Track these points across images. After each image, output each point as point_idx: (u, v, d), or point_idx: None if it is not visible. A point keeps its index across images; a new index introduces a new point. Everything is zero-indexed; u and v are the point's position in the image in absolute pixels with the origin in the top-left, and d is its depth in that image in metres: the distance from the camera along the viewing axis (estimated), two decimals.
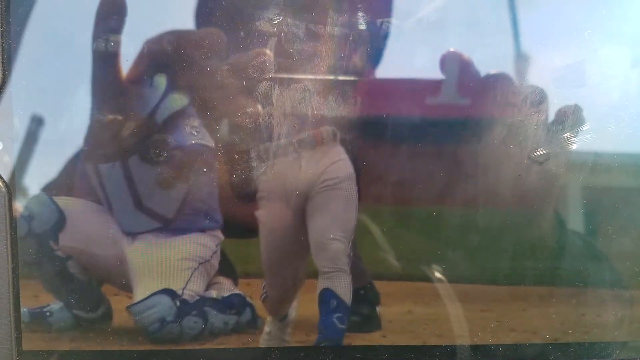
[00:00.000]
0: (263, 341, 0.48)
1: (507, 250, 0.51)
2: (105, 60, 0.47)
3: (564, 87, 0.50)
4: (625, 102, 0.51)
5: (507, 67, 0.48)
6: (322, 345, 0.49)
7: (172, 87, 0.45)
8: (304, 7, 0.44)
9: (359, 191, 0.46)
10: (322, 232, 0.47)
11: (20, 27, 0.46)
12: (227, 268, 0.48)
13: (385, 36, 0.45)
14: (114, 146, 0.45)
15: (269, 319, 0.49)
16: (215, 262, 0.48)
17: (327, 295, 0.47)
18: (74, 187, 0.46)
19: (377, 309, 0.49)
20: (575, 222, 0.53)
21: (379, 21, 0.44)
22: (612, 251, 0.53)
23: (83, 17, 0.47)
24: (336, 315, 0.47)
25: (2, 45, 0.45)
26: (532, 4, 0.50)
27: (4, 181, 0.46)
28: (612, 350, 0.55)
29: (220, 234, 0.47)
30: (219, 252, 0.48)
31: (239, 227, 0.48)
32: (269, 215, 0.47)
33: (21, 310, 0.47)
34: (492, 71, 0.48)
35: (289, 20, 0.44)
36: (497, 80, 0.47)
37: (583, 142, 0.50)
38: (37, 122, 0.47)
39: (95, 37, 0.47)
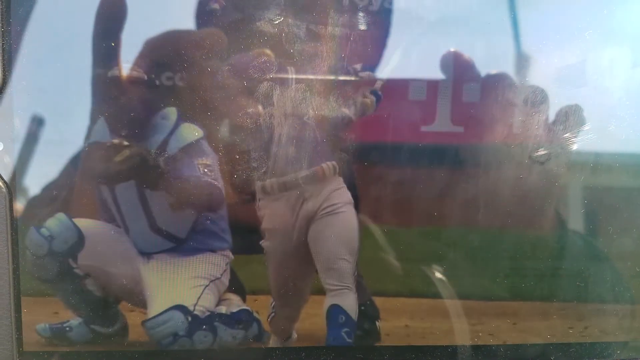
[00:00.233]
0: None
1: (507, 268, 0.54)
2: (105, 60, 0.47)
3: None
4: None
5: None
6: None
7: (181, 117, 0.48)
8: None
9: (359, 214, 0.50)
10: (329, 253, 0.50)
11: (20, 28, 0.46)
12: (236, 285, 0.51)
13: None
14: (126, 170, 0.48)
15: (273, 339, 0.51)
16: (225, 280, 0.51)
17: (335, 311, 0.50)
18: (93, 210, 0.48)
19: (377, 323, 0.52)
20: (587, 240, 0.54)
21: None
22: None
23: (83, 17, 0.47)
24: (344, 329, 0.50)
25: (2, 45, 0.45)
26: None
27: (4, 181, 0.46)
28: (612, 350, 0.55)
29: (229, 253, 0.51)
30: (228, 271, 0.51)
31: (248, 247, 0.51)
32: (276, 242, 0.50)
33: (22, 311, 0.48)
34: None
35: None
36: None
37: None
38: (37, 123, 0.47)
39: (96, 37, 0.47)
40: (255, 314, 0.50)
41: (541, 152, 0.51)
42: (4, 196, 0.46)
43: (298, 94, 0.47)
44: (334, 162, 0.48)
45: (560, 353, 0.55)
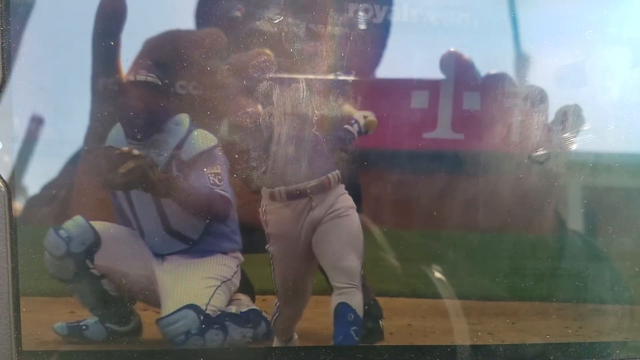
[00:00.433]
0: None
1: (507, 269, 0.55)
2: (105, 59, 0.47)
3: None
4: None
5: None
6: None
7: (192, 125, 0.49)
8: None
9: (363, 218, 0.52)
10: (337, 254, 0.53)
11: (20, 27, 0.45)
12: (245, 286, 0.53)
13: None
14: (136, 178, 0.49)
15: (276, 342, 0.53)
16: (236, 281, 0.52)
17: (344, 310, 0.52)
18: (110, 213, 0.50)
19: (380, 322, 0.53)
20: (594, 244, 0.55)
21: None
22: None
23: (83, 16, 0.47)
24: (353, 328, 0.52)
25: (2, 44, 0.45)
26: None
27: (3, 181, 0.46)
28: (612, 350, 0.55)
29: (240, 255, 0.53)
30: (239, 272, 0.52)
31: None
32: (281, 246, 0.53)
33: (21, 310, 0.48)
34: None
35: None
36: None
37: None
38: (37, 122, 0.47)
39: (96, 36, 0.47)
40: (264, 314, 0.52)
41: (540, 152, 0.52)
42: (3, 195, 0.46)
43: (309, 113, 0.49)
44: (338, 172, 0.51)
45: (559, 353, 0.55)
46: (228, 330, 0.51)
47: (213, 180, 0.49)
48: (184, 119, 0.49)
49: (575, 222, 0.55)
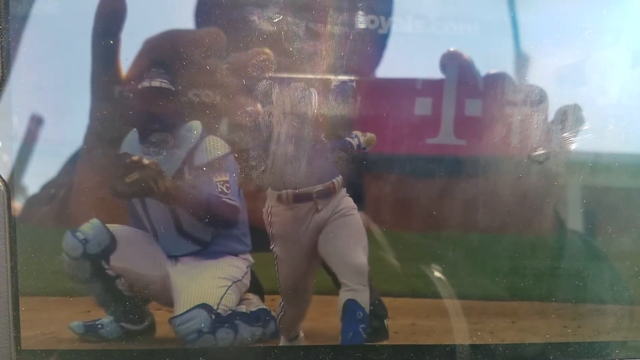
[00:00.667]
0: None
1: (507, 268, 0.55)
2: (105, 59, 0.47)
3: None
4: None
5: None
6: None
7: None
8: None
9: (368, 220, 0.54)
10: (344, 252, 0.54)
11: (19, 26, 0.45)
12: (255, 286, 0.55)
13: None
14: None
15: (282, 340, 0.54)
16: (246, 281, 0.54)
17: (353, 307, 0.53)
18: (124, 216, 0.52)
19: (385, 321, 0.54)
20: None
21: None
22: None
23: (82, 15, 0.47)
24: (361, 325, 0.53)
25: (1, 43, 0.45)
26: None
27: (2, 180, 0.46)
28: (611, 350, 0.55)
29: (250, 257, 0.55)
30: (249, 273, 0.54)
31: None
32: (286, 247, 0.54)
33: (20, 309, 0.48)
34: None
35: None
36: None
37: None
38: (36, 121, 0.47)
39: (95, 36, 0.47)
40: (273, 313, 0.54)
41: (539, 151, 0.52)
42: (2, 194, 0.46)
43: (319, 120, 0.51)
44: (341, 177, 0.54)
45: (558, 352, 0.55)
46: (238, 328, 0.53)
47: (221, 188, 0.51)
48: (197, 125, 0.50)
49: (579, 222, 0.55)
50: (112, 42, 0.47)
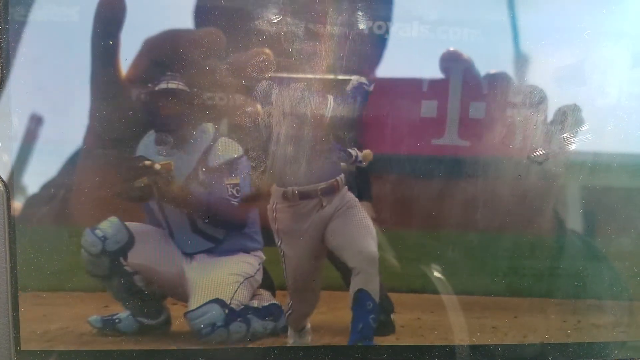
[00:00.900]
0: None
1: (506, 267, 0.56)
2: (104, 58, 0.47)
3: None
4: None
5: None
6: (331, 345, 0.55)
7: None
8: None
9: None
10: (354, 241, 0.55)
11: (18, 26, 0.45)
12: (267, 282, 0.57)
13: None
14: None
15: (290, 331, 0.56)
16: (259, 277, 0.56)
17: (363, 297, 0.54)
18: (142, 215, 0.53)
19: (392, 316, 0.55)
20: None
21: None
22: None
23: (82, 15, 0.47)
24: (371, 316, 0.54)
25: (0, 43, 0.45)
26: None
27: (2, 180, 0.46)
28: (610, 350, 0.55)
29: (262, 254, 0.56)
30: (261, 269, 0.56)
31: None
32: (293, 244, 0.56)
33: (20, 309, 0.48)
34: None
35: None
36: None
37: None
38: (35, 121, 0.47)
39: (95, 35, 0.47)
40: (283, 308, 0.56)
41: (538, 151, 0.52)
42: (2, 194, 0.46)
43: (326, 121, 0.52)
44: (343, 176, 0.55)
45: (558, 353, 0.55)
46: (250, 322, 0.55)
47: (231, 191, 0.52)
48: (210, 126, 0.51)
49: (579, 222, 0.55)
50: (112, 42, 0.47)
